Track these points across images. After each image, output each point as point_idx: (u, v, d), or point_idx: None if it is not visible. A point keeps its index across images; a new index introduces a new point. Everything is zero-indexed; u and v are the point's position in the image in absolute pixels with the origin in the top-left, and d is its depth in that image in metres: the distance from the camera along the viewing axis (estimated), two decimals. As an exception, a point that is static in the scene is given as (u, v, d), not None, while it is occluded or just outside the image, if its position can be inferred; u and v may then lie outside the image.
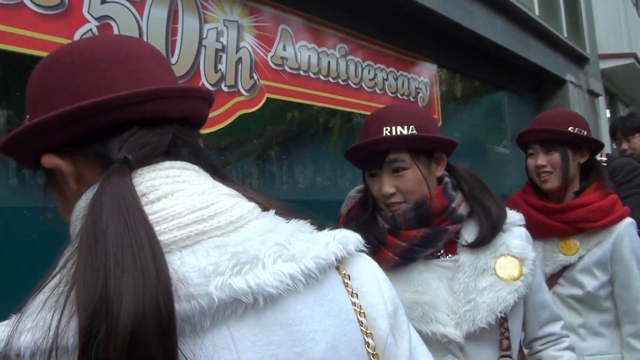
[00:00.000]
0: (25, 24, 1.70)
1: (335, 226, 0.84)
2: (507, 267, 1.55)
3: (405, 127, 1.54)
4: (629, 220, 2.21)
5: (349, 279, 0.80)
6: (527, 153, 2.29)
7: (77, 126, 0.71)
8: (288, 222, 0.78)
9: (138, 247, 0.61)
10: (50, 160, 0.74)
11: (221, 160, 2.54)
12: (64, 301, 0.60)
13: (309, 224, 0.81)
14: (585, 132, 2.19)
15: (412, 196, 1.56)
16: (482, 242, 1.56)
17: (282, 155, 2.88)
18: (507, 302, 1.50)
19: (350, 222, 1.71)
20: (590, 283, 2.20)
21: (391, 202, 1.58)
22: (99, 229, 0.62)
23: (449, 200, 1.58)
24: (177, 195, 0.72)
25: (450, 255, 1.59)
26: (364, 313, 0.78)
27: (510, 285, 1.52)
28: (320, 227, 0.83)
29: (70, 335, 0.58)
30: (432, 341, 1.52)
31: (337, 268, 0.80)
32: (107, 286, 0.58)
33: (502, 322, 1.53)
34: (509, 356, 1.53)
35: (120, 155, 0.70)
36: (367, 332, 0.78)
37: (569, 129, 2.17)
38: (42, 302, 0.62)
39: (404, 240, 1.57)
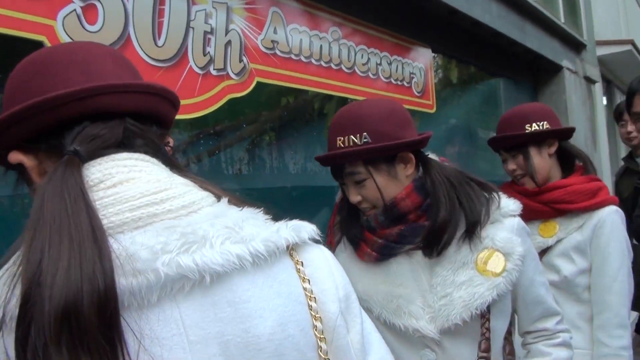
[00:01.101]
0: (7, 4, 1.65)
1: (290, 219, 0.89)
2: (489, 261, 1.49)
3: (358, 136, 1.48)
4: (613, 208, 2.18)
5: (302, 265, 0.85)
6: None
7: (30, 123, 0.78)
8: (241, 210, 0.83)
9: (76, 227, 0.65)
10: (14, 156, 0.81)
11: (214, 146, 2.50)
12: (12, 278, 0.64)
13: (262, 213, 0.86)
14: (545, 123, 2.18)
15: (379, 202, 1.52)
16: (430, 245, 1.51)
17: (276, 141, 2.84)
18: (485, 299, 1.45)
19: (341, 211, 1.69)
20: (566, 268, 2.17)
21: (361, 207, 1.56)
22: (41, 213, 0.67)
23: (423, 197, 1.52)
24: (133, 182, 0.77)
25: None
26: (314, 297, 0.83)
27: (489, 281, 1.46)
28: (276, 218, 0.87)
29: (15, 308, 0.62)
30: (407, 334, 1.49)
31: (291, 255, 0.85)
32: (42, 262, 0.62)
33: (484, 321, 1.48)
34: (487, 358, 1.48)
35: (71, 147, 0.76)
36: (316, 315, 0.82)
37: (526, 127, 2.19)
38: None
39: (380, 237, 1.55)
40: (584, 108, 6.29)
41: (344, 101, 3.13)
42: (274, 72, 2.56)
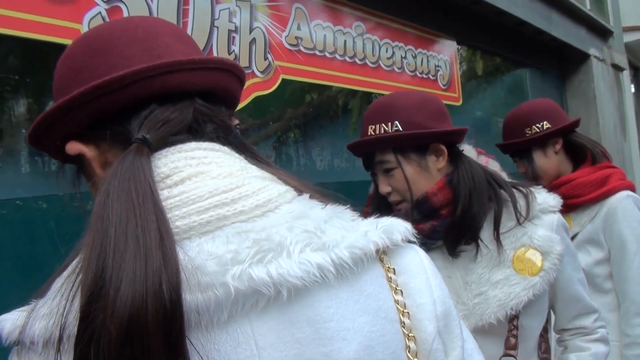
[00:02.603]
0: (34, 9, 1.66)
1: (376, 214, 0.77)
2: (526, 260, 1.45)
3: (390, 124, 1.46)
4: (624, 194, 2.13)
5: (394, 273, 0.73)
6: None
7: (93, 107, 0.69)
8: (324, 208, 0.72)
9: (143, 232, 0.57)
10: (73, 147, 0.72)
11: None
12: (71, 288, 0.57)
13: (349, 210, 0.74)
14: (546, 123, 2.13)
15: (408, 194, 1.49)
16: (447, 243, 1.49)
17: (302, 138, 2.83)
18: (520, 299, 1.41)
19: (373, 203, 1.66)
20: (583, 260, 2.12)
21: (391, 200, 1.53)
22: (105, 213, 0.59)
23: (456, 192, 1.49)
24: (201, 178, 0.68)
25: (469, 244, 1.50)
26: (407, 313, 0.71)
27: (526, 281, 1.42)
28: (363, 216, 0.75)
29: (75, 323, 0.55)
30: None
31: (381, 260, 0.73)
32: (105, 272, 0.54)
33: (512, 318, 1.44)
34: (513, 356, 1.43)
35: (139, 135, 0.67)
36: (410, 334, 0.70)
37: (526, 131, 2.16)
38: (58, 289, 0.60)
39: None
40: (612, 96, 6.17)
41: (368, 96, 3.10)
42: (299, 68, 2.54)
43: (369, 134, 1.50)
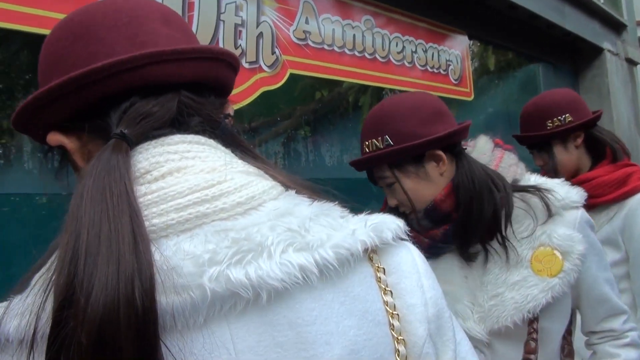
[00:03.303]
0: (44, 5, 1.65)
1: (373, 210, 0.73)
2: (545, 260, 1.38)
3: (380, 140, 1.42)
4: None
5: (384, 273, 0.70)
6: None
7: (70, 100, 0.65)
8: (310, 204, 0.69)
9: (117, 235, 0.54)
10: (53, 138, 0.70)
11: (251, 142, 2.47)
12: (45, 288, 0.55)
13: (339, 206, 0.70)
14: (568, 116, 2.05)
15: (415, 204, 1.44)
16: (462, 246, 1.45)
17: (312, 135, 2.79)
18: (538, 301, 1.35)
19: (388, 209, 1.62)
20: None
21: (402, 211, 1.48)
22: (79, 215, 0.56)
23: (457, 196, 1.44)
24: (183, 173, 0.64)
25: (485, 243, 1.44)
26: (397, 315, 0.68)
27: (544, 282, 1.36)
28: (357, 211, 0.71)
29: (47, 326, 0.53)
30: None
31: (371, 259, 0.69)
32: (77, 277, 0.52)
33: (532, 320, 1.38)
34: None
35: (117, 130, 0.64)
36: (399, 337, 0.67)
37: (548, 123, 2.07)
38: (31, 287, 0.59)
39: (426, 237, 1.46)
40: (626, 91, 6.08)
41: (379, 93, 3.06)
42: (307, 63, 2.50)
43: (364, 150, 1.48)
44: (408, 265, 0.72)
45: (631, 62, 6.44)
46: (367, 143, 1.46)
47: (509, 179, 1.48)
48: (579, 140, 2.11)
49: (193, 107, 0.71)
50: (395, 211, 1.51)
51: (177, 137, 0.68)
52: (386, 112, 1.46)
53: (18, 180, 1.76)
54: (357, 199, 0.74)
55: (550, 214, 1.42)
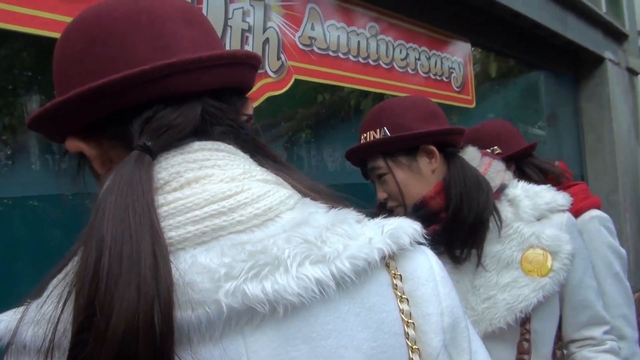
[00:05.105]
0: (47, 7, 1.67)
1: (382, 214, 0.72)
2: (534, 260, 1.41)
3: (378, 131, 1.47)
4: (587, 216, 2.06)
5: (400, 280, 0.68)
6: None
7: (90, 109, 0.63)
8: (327, 212, 0.67)
9: (138, 255, 0.54)
10: (72, 144, 0.68)
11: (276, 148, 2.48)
12: (64, 300, 0.55)
13: (356, 212, 0.69)
14: (496, 148, 2.02)
15: (404, 198, 1.47)
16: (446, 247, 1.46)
17: (313, 138, 2.81)
18: (530, 301, 1.37)
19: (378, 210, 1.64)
20: None
21: (389, 206, 1.50)
22: (100, 233, 0.55)
23: (447, 195, 1.46)
24: (202, 183, 0.63)
25: (475, 247, 1.45)
26: (412, 324, 0.66)
27: (535, 282, 1.38)
28: (372, 217, 0.70)
29: (65, 340, 0.53)
30: None
31: (388, 266, 0.68)
32: (97, 298, 0.52)
33: (524, 321, 1.40)
34: None
35: (140, 142, 0.62)
36: (414, 347, 0.66)
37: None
38: (49, 295, 0.58)
39: None
40: (627, 100, 6.11)
41: (380, 97, 3.08)
42: (312, 69, 2.53)
43: (362, 142, 1.51)
44: (425, 272, 0.70)
45: (632, 72, 6.47)
46: (364, 135, 1.50)
47: (497, 184, 1.51)
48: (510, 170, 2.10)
49: (216, 115, 0.69)
50: (383, 208, 1.55)
51: (197, 145, 0.66)
52: (385, 108, 1.51)
53: (18, 181, 1.77)
54: (356, 203, 0.74)
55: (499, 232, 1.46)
